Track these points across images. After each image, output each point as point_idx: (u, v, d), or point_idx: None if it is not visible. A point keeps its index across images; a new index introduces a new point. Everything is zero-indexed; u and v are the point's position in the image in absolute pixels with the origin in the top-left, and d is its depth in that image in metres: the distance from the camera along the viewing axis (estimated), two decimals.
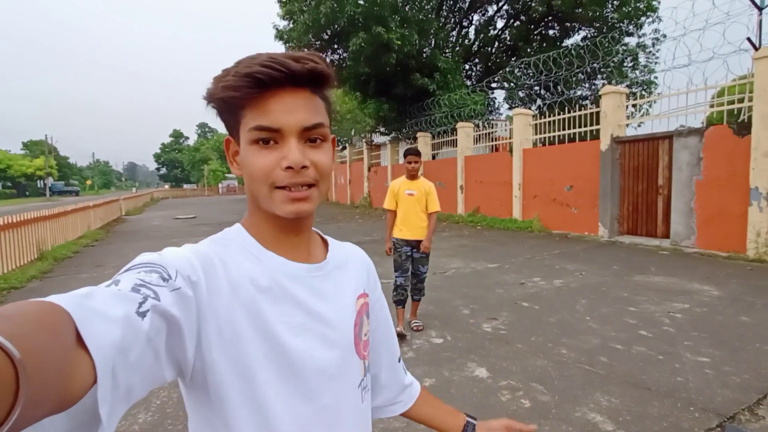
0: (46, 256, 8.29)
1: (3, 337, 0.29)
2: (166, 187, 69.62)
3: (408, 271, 3.97)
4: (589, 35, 17.22)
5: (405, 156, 3.95)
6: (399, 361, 0.83)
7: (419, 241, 3.93)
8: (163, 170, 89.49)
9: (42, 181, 56.02)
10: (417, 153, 3.94)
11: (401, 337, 3.75)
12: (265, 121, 0.56)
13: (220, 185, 58.05)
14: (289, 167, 0.57)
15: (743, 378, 2.94)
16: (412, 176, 3.96)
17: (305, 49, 0.65)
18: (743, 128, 6.97)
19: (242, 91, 0.55)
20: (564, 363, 3.27)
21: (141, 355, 0.42)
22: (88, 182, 79.06)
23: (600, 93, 9.42)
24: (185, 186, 70.44)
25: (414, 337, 3.85)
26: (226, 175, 63.13)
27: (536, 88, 15.81)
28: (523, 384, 2.95)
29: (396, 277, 3.95)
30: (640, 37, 16.93)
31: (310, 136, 0.59)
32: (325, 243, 0.73)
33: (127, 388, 0.41)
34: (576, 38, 18.11)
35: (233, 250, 0.61)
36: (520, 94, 17.60)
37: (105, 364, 0.37)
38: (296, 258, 0.64)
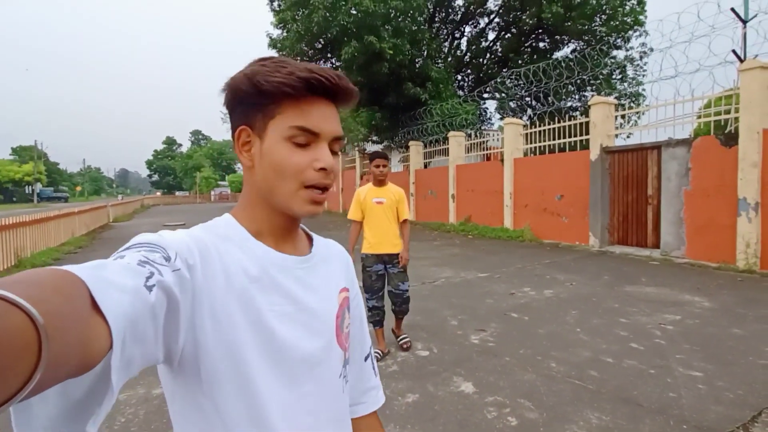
0: (24, 263, 8.07)
1: (27, 302, 0.30)
2: (158, 194, 68.97)
3: (381, 291, 3.55)
4: (578, 48, 17.44)
5: (372, 159, 3.54)
6: (366, 359, 0.83)
7: (392, 255, 3.52)
8: (156, 177, 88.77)
9: (30, 187, 55.25)
10: (385, 156, 3.56)
11: (385, 353, 3.59)
12: (307, 124, 0.60)
13: (212, 192, 57.65)
14: (322, 169, 0.61)
15: (737, 394, 2.84)
16: (380, 182, 3.55)
17: (298, 58, 0.66)
18: (730, 139, 6.99)
19: (297, 90, 0.59)
20: (553, 377, 3.15)
21: (145, 328, 0.43)
22: (78, 188, 78.03)
23: (589, 103, 9.46)
24: (177, 193, 69.89)
25: (399, 349, 3.72)
26: (219, 182, 62.73)
27: (527, 98, 15.92)
28: (511, 400, 2.83)
29: (368, 299, 3.52)
30: (627, 50, 17.18)
31: (334, 146, 0.64)
32: (309, 237, 0.75)
33: (129, 359, 0.41)
34: (566, 51, 18.35)
35: (224, 239, 0.62)
36: (511, 104, 17.72)
37: (119, 332, 0.38)
38: (284, 250, 0.66)
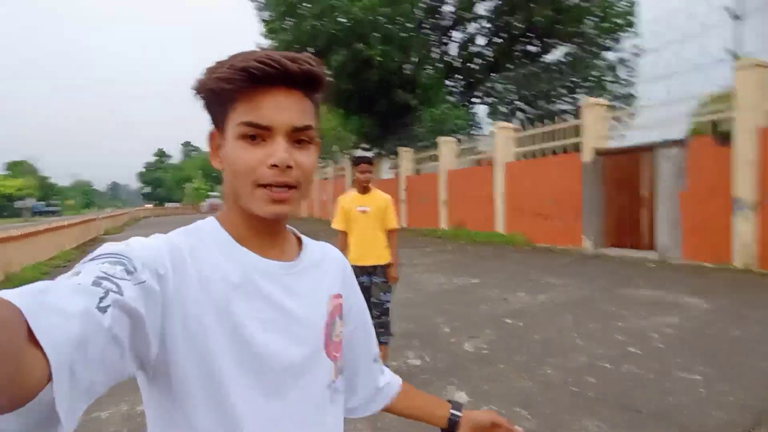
0: (12, 278, 7.89)
1: None
2: (148, 206, 68.50)
3: (367, 303, 3.44)
4: (569, 51, 17.54)
5: (356, 164, 3.25)
6: (375, 361, 0.81)
7: (378, 267, 3.26)
8: (147, 189, 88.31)
9: (20, 202, 54.87)
10: (370, 161, 3.25)
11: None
12: (255, 118, 0.56)
13: (203, 203, 57.25)
14: (274, 165, 0.56)
15: (738, 397, 2.75)
16: (365, 189, 3.27)
17: None
18: (725, 138, 6.97)
19: (235, 83, 0.54)
20: (549, 384, 3.05)
21: (103, 351, 0.40)
22: (69, 202, 77.30)
23: (581, 105, 9.45)
24: (167, 205, 69.44)
25: (391, 359, 3.59)
26: (209, 193, 62.38)
27: (518, 102, 15.98)
28: (506, 409, 2.72)
29: None
30: (619, 51, 17.30)
31: (298, 137, 0.58)
32: (300, 241, 0.71)
33: (88, 383, 0.39)
34: (556, 54, 18.44)
35: (206, 244, 0.59)
36: (502, 108, 17.76)
37: (60, 361, 0.35)
38: (269, 255, 0.63)
